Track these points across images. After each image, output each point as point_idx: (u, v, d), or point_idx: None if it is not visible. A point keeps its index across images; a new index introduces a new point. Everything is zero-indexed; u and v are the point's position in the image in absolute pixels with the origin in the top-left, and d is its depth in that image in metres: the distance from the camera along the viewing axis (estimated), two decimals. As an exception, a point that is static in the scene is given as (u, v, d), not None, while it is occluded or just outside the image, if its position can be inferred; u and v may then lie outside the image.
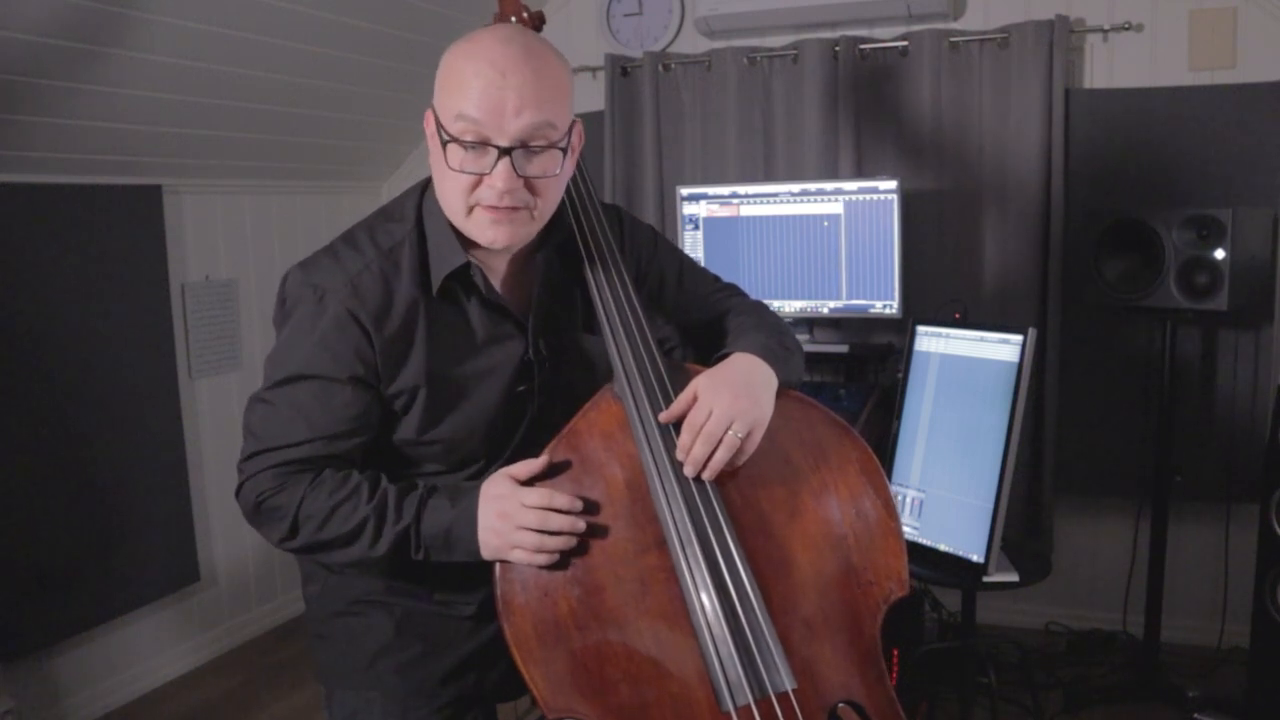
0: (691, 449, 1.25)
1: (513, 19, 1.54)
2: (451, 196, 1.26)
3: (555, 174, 1.25)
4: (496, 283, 1.35)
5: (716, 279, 1.58)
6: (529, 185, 1.23)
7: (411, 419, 1.31)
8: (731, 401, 1.25)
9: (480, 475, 1.36)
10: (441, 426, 1.32)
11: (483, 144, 1.20)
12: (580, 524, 1.23)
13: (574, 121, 1.29)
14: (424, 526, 1.25)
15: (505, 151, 1.20)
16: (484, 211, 1.24)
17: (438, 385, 1.31)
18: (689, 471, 1.26)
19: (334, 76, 3.23)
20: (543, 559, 1.23)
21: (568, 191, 1.41)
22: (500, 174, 1.20)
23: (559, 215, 1.35)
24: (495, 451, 1.37)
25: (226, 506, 3.45)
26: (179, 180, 3.21)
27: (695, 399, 1.27)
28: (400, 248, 1.31)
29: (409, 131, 3.87)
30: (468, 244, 1.31)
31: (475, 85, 1.19)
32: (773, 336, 1.39)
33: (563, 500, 1.23)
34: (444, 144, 1.21)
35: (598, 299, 1.38)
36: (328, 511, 1.25)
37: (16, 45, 2.34)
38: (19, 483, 2.74)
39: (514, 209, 1.24)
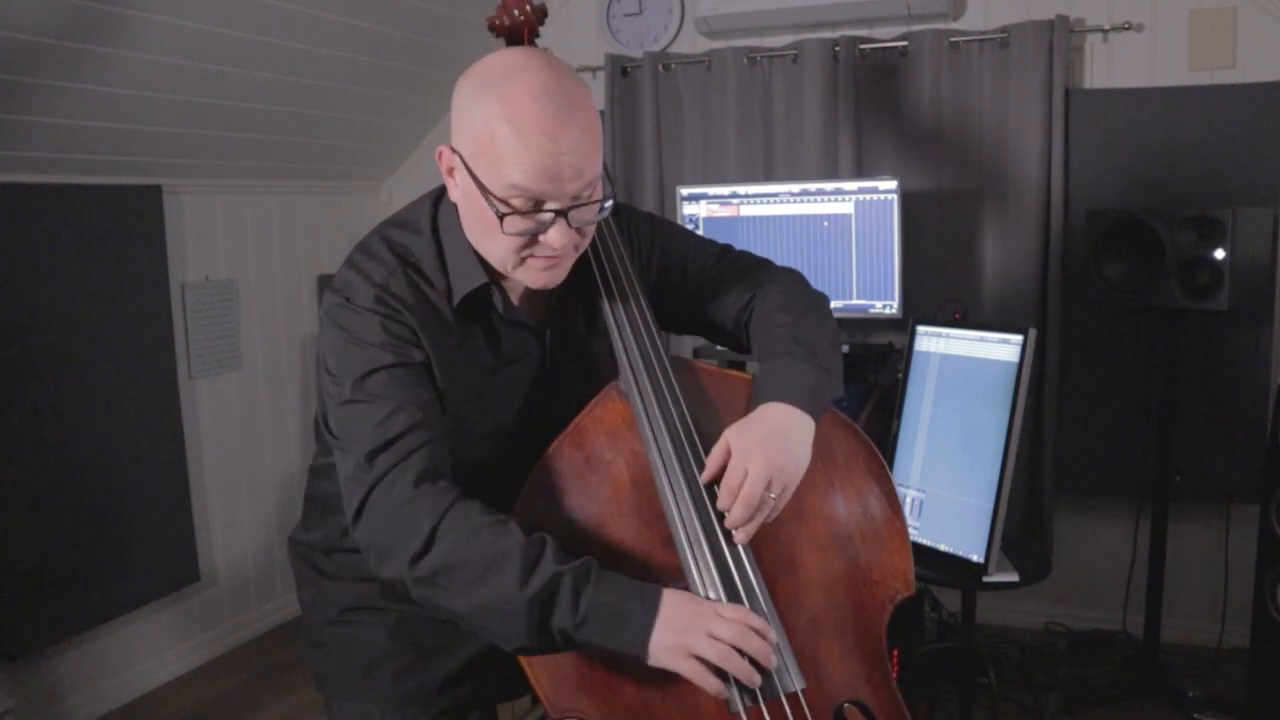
0: (732, 512, 1.21)
1: (515, 12, 1.52)
2: (501, 254, 1.23)
3: (601, 215, 1.24)
4: (515, 298, 1.35)
5: (722, 252, 1.51)
6: (577, 230, 1.22)
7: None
8: (766, 461, 1.20)
9: (482, 476, 1.34)
10: (458, 430, 1.29)
11: (537, 207, 1.18)
12: (773, 659, 1.15)
13: None
14: (594, 586, 1.13)
15: (562, 212, 1.19)
16: (536, 261, 1.23)
17: (454, 394, 1.29)
18: (738, 537, 1.21)
19: (334, 76, 3.23)
20: (714, 683, 1.12)
21: None
22: (557, 234, 1.19)
23: None
24: (500, 456, 1.35)
25: (226, 506, 3.45)
26: (179, 180, 3.21)
27: (728, 455, 1.22)
28: (421, 261, 1.30)
29: (409, 131, 3.86)
30: (485, 262, 1.29)
31: (530, 160, 1.14)
32: (808, 361, 1.31)
33: (758, 621, 1.16)
34: (500, 217, 1.18)
35: (600, 287, 1.37)
36: (475, 528, 1.16)
37: (15, 45, 2.34)
38: (19, 483, 2.73)
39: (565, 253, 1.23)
